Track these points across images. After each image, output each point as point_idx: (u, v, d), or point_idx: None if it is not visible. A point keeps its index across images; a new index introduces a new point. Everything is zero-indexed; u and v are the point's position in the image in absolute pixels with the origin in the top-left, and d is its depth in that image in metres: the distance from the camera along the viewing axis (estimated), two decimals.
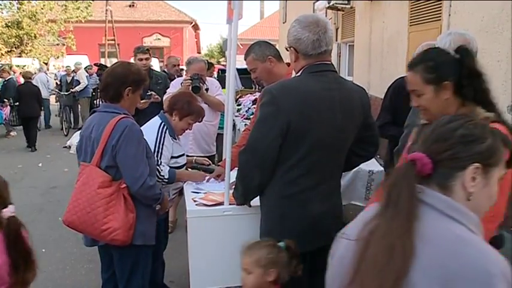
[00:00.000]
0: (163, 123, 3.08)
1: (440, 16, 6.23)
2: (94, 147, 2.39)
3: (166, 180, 2.91)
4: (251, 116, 6.05)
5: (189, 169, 3.31)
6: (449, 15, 5.92)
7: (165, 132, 3.05)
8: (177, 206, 4.90)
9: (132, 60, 5.11)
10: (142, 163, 2.38)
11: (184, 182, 3.09)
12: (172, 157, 3.08)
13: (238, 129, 6.12)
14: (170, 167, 3.03)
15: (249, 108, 6.98)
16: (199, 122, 3.34)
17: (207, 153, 4.44)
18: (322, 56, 2.12)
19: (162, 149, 2.98)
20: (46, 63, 22.24)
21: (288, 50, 2.23)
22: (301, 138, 2.03)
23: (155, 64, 23.74)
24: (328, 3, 10.44)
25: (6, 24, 22.75)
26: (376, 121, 3.33)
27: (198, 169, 3.37)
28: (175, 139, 3.17)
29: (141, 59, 5.19)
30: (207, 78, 4.84)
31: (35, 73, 14.11)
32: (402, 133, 2.93)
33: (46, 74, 13.83)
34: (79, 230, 2.44)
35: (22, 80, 11.30)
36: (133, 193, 2.38)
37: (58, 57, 24.06)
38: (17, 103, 10.29)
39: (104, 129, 2.35)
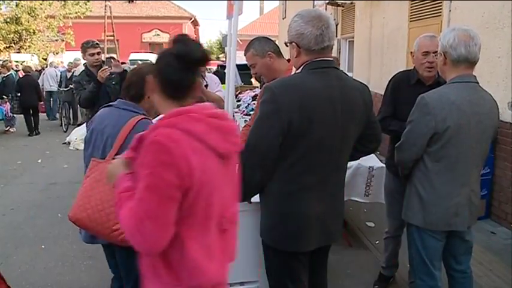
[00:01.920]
0: None
1: (440, 12, 6.21)
2: (107, 143, 2.33)
3: None
4: (251, 112, 6.04)
5: None
6: (450, 11, 5.90)
7: None
8: None
9: (83, 58, 4.86)
10: None
11: None
12: None
13: (238, 125, 6.10)
14: None
15: (248, 104, 6.96)
16: None
17: None
18: (324, 51, 2.09)
19: None
20: (45, 59, 22.21)
21: (287, 46, 2.20)
22: (301, 136, 2.00)
23: (154, 60, 23.74)
24: None
25: (5, 20, 22.72)
26: (377, 115, 3.32)
27: None
28: None
29: (92, 54, 4.72)
30: (207, 74, 4.81)
31: (36, 70, 14.30)
32: (402, 127, 2.92)
33: (56, 68, 14.01)
34: (86, 228, 2.33)
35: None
36: None
37: (57, 53, 24.01)
38: (19, 94, 11.11)
39: (121, 128, 2.29)
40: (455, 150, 2.31)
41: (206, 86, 4.48)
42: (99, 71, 4.48)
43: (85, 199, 2.26)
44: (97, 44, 4.81)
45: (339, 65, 7.76)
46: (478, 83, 2.37)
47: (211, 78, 4.72)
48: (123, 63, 14.49)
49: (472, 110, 2.28)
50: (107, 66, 4.56)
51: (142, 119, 2.34)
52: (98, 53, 4.78)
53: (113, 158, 2.22)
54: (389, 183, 3.37)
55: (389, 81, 3.32)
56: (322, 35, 2.04)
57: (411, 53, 3.14)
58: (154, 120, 3.08)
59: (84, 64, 4.97)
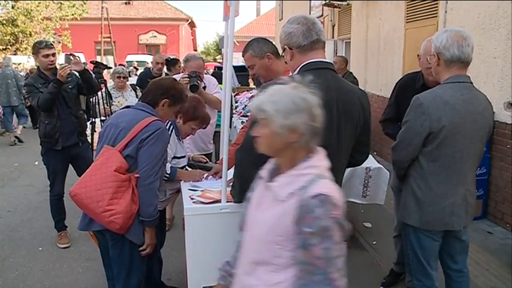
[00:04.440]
0: (170, 122, 3.09)
1: (436, 13, 6.24)
2: (119, 135, 2.50)
3: (167, 176, 2.91)
4: (248, 114, 6.05)
5: (187, 167, 3.30)
6: (446, 12, 5.93)
7: (172, 131, 3.06)
8: (174, 204, 4.89)
9: (35, 60, 4.36)
10: (159, 165, 2.50)
11: (181, 181, 3.08)
12: (174, 157, 3.08)
13: (235, 127, 6.12)
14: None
15: (245, 105, 6.96)
16: (204, 128, 3.32)
17: (204, 151, 4.42)
18: (316, 46, 2.11)
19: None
20: None
21: (283, 56, 2.23)
22: None
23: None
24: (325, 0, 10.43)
25: (0, 22, 22.64)
26: (381, 116, 3.36)
27: (195, 167, 3.36)
28: (180, 140, 3.16)
29: (46, 55, 4.24)
30: (205, 76, 4.79)
31: (32, 71, 14.48)
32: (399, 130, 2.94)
33: None
34: (81, 205, 2.46)
35: None
36: (140, 186, 2.45)
37: None
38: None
39: (137, 123, 2.48)
40: (451, 149, 2.32)
41: (204, 87, 4.48)
42: (59, 69, 4.12)
43: (87, 178, 2.45)
44: (51, 44, 4.35)
45: (346, 64, 7.75)
46: (471, 83, 2.38)
47: (209, 80, 4.71)
48: (120, 64, 14.46)
49: (466, 109, 2.30)
50: (66, 64, 4.22)
51: (156, 120, 2.53)
52: (53, 55, 4.31)
53: (122, 149, 2.45)
54: (394, 181, 3.40)
55: (396, 83, 3.36)
56: (309, 30, 2.09)
57: (418, 55, 3.17)
58: None
59: (36, 67, 4.46)
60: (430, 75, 2.99)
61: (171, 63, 7.37)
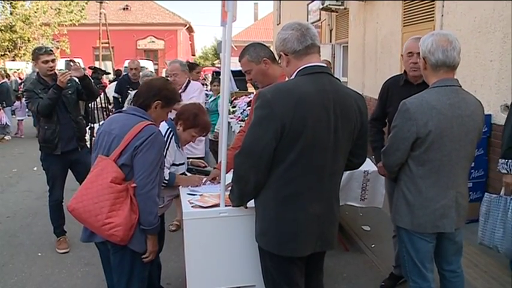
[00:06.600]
0: (170, 129, 3.08)
1: (433, 16, 6.27)
2: (113, 143, 2.43)
3: (166, 182, 2.91)
4: (246, 118, 6.06)
5: (186, 172, 3.30)
6: (442, 15, 5.96)
7: (171, 138, 3.05)
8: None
9: (34, 66, 4.36)
10: (155, 171, 2.43)
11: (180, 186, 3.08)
12: (173, 164, 3.08)
13: (233, 131, 6.13)
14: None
15: (244, 110, 6.98)
16: (204, 136, 3.32)
17: (193, 154, 4.34)
18: (310, 50, 2.14)
19: (165, 153, 2.96)
20: None
21: (279, 63, 2.26)
22: (296, 139, 2.03)
23: (150, 66, 23.76)
24: (322, 4, 10.46)
25: None
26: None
27: (194, 171, 3.37)
28: (179, 147, 3.16)
29: (46, 61, 4.26)
30: (192, 82, 4.89)
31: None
32: (377, 141, 3.41)
33: None
34: (80, 219, 2.41)
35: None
36: (138, 195, 2.39)
37: None
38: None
39: (129, 130, 2.40)
40: (439, 153, 2.34)
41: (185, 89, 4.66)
42: (60, 75, 4.17)
43: (83, 191, 2.38)
44: (51, 50, 4.37)
45: (331, 68, 7.86)
46: (460, 86, 2.40)
47: (192, 85, 4.83)
48: (118, 70, 14.49)
49: (453, 113, 2.31)
50: (67, 70, 4.26)
51: (149, 124, 2.45)
52: (53, 61, 4.33)
53: (117, 158, 2.38)
54: (388, 184, 3.50)
55: (382, 85, 3.54)
56: (303, 35, 2.13)
57: (401, 55, 3.39)
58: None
59: (36, 72, 4.54)
60: (410, 71, 3.21)
61: (190, 67, 7.05)
